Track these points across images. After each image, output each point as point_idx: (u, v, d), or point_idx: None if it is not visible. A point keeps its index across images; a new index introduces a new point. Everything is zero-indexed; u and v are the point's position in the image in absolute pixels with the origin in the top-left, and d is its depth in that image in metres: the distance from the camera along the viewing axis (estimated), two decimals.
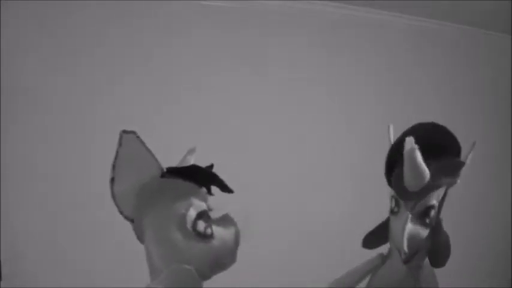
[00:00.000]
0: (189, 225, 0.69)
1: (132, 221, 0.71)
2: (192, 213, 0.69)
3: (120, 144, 0.70)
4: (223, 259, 0.72)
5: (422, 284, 0.82)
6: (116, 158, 0.70)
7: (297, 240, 1.99)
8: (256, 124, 1.99)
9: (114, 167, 0.70)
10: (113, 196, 0.70)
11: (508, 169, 2.41)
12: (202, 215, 0.70)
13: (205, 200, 0.73)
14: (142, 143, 0.70)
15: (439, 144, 0.86)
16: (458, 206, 2.21)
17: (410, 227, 0.82)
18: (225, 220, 0.75)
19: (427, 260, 0.84)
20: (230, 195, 1.92)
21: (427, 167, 0.81)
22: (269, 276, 1.92)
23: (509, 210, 2.38)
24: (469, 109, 2.35)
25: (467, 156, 0.85)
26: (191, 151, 0.81)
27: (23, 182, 1.70)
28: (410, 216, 0.83)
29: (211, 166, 0.74)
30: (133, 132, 0.70)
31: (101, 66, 1.82)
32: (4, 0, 1.68)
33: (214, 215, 0.73)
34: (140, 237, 0.71)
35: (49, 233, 1.71)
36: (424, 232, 0.84)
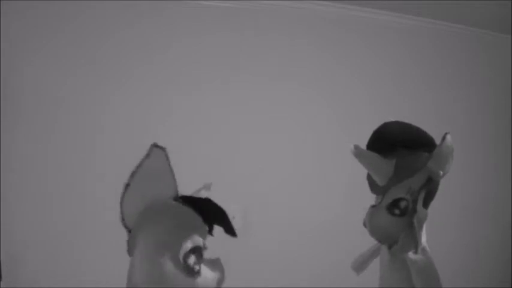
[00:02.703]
0: (181, 256, 0.69)
1: (129, 231, 0.71)
2: (189, 245, 0.69)
3: (147, 155, 0.70)
4: None
5: (413, 274, 0.83)
6: (138, 166, 0.69)
7: (296, 241, 1.99)
8: (254, 125, 2.00)
9: (133, 174, 0.69)
10: (121, 202, 0.69)
11: (508, 169, 2.41)
12: (196, 251, 0.70)
13: (204, 237, 0.72)
14: (169, 162, 0.70)
15: (406, 140, 0.90)
16: (458, 206, 2.21)
17: (372, 217, 0.89)
18: (215, 264, 0.74)
19: (426, 251, 0.86)
20: (230, 195, 1.91)
21: (397, 162, 0.87)
22: (268, 275, 1.92)
23: (510, 210, 2.38)
24: (469, 109, 2.35)
25: (441, 148, 0.88)
26: (207, 187, 0.79)
27: (23, 182, 1.71)
28: (371, 208, 0.90)
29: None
30: (163, 149, 0.71)
31: (102, 67, 1.82)
32: (5, 0, 1.68)
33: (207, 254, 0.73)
34: (130, 250, 0.71)
35: (48, 234, 1.71)
36: (392, 222, 0.88)
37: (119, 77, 1.84)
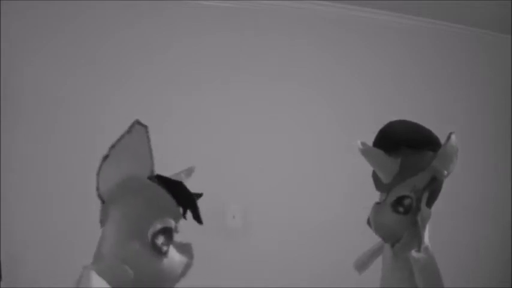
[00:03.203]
0: (149, 235, 0.70)
1: (103, 201, 0.73)
2: (158, 226, 0.70)
3: (129, 131, 0.71)
4: (163, 282, 0.71)
5: (415, 272, 0.83)
6: (118, 140, 0.71)
7: (296, 241, 1.99)
8: (254, 125, 2.00)
9: (113, 146, 0.71)
10: (98, 171, 0.71)
11: (508, 169, 2.41)
12: (166, 231, 0.71)
13: (176, 220, 0.73)
14: (149, 140, 0.71)
15: (412, 139, 0.90)
16: (458, 206, 2.21)
17: (376, 214, 0.90)
18: (185, 248, 0.74)
19: (428, 250, 0.86)
20: (230, 195, 1.91)
21: (402, 160, 0.88)
22: (268, 275, 1.92)
23: (510, 210, 2.38)
24: (469, 109, 2.35)
25: (446, 148, 0.89)
26: (189, 171, 0.80)
27: (23, 182, 1.71)
28: (376, 205, 0.90)
29: (200, 195, 0.76)
30: (145, 126, 0.72)
31: (102, 67, 1.82)
32: (5, 0, 1.68)
33: (178, 237, 0.73)
34: (102, 221, 0.73)
35: (48, 234, 1.71)
36: (396, 219, 0.88)
37: (119, 77, 1.84)
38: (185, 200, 0.73)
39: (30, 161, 1.71)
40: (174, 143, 1.85)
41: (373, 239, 0.94)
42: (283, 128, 2.03)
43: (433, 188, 0.89)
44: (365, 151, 0.89)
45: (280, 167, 2.01)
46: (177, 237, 0.73)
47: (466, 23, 2.32)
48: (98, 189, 0.72)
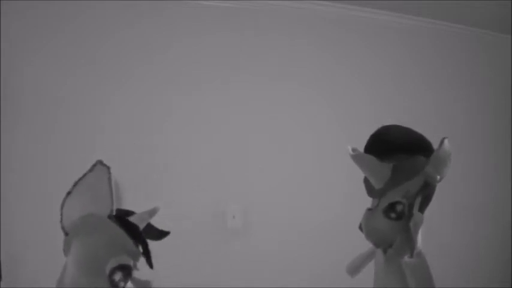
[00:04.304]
0: (107, 271, 0.72)
1: (66, 234, 0.75)
2: (114, 263, 0.72)
3: (91, 170, 0.75)
4: None
5: (408, 275, 0.83)
6: (81, 178, 0.75)
7: (296, 241, 1.99)
8: (254, 125, 2.00)
9: (76, 184, 0.75)
10: (62, 206, 0.75)
11: (508, 169, 2.41)
12: (124, 269, 0.73)
13: (135, 258, 0.75)
14: (110, 181, 0.74)
15: (404, 144, 0.90)
16: (459, 206, 2.21)
17: (368, 220, 0.89)
18: (144, 285, 0.76)
19: (421, 255, 0.86)
20: (230, 195, 1.90)
21: (394, 166, 0.87)
22: (268, 275, 1.92)
23: (510, 210, 2.38)
24: (469, 109, 2.35)
25: (439, 153, 0.88)
26: (152, 212, 0.81)
27: (23, 182, 1.71)
28: (368, 211, 0.89)
29: (167, 233, 0.79)
30: (108, 167, 0.74)
31: (102, 67, 1.82)
32: (5, 0, 1.68)
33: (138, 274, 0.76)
34: (65, 252, 0.76)
35: (48, 234, 1.71)
36: (388, 225, 0.88)
37: (119, 77, 1.84)
38: (140, 242, 0.76)
39: (30, 161, 1.71)
40: (174, 143, 1.85)
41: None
42: (283, 128, 2.03)
43: (426, 193, 0.88)
44: (356, 157, 0.88)
45: (280, 167, 2.01)
46: (137, 274, 0.75)
47: (466, 23, 2.32)
48: (61, 221, 0.75)
